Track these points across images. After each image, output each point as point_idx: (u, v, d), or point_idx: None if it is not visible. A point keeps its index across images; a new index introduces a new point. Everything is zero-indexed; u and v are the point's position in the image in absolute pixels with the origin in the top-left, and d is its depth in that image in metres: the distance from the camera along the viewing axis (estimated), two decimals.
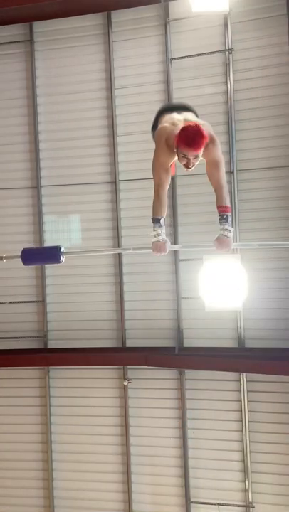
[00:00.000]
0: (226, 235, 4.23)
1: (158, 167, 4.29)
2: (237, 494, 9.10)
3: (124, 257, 9.60)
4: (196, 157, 4.10)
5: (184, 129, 4.04)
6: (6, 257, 4.82)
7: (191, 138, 3.98)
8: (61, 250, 4.65)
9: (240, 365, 8.78)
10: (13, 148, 10.01)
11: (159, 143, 4.30)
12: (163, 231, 4.22)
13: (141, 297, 9.57)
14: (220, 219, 4.24)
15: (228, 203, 4.24)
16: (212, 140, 4.24)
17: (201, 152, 4.09)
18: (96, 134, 9.74)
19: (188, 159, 4.10)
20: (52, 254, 4.72)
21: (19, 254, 4.67)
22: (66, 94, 9.81)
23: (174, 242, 9.24)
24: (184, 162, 4.16)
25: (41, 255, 5.02)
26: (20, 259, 4.70)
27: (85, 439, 9.68)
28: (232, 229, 4.27)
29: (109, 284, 9.72)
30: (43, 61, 9.88)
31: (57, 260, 4.67)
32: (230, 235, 4.24)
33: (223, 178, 4.26)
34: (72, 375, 9.72)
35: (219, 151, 4.31)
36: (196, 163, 4.18)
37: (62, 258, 4.67)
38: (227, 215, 4.20)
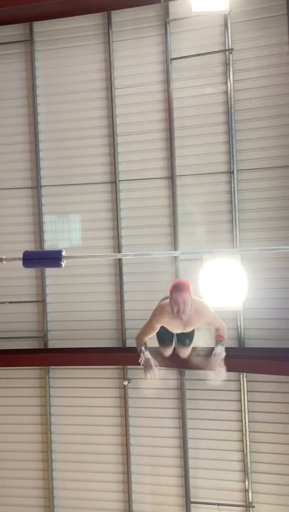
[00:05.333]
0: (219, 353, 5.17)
1: (149, 325, 5.43)
2: (237, 494, 9.10)
3: (124, 257, 9.60)
4: (184, 304, 5.01)
5: (176, 281, 5.35)
6: (6, 259, 4.80)
7: (178, 284, 5.15)
8: (62, 255, 4.64)
9: (240, 365, 8.78)
10: (13, 148, 10.01)
11: (156, 311, 5.44)
12: (147, 353, 5.29)
13: (141, 297, 9.56)
14: (216, 344, 5.33)
15: (226, 336, 5.42)
16: (200, 309, 5.31)
17: (187, 299, 5.04)
18: (96, 134, 9.74)
19: (179, 305, 5.00)
20: (53, 259, 4.70)
21: (19, 255, 4.66)
22: (66, 94, 9.81)
23: (174, 242, 9.25)
24: (176, 308, 5.03)
25: (42, 259, 5.00)
26: (20, 261, 4.69)
27: (85, 439, 9.68)
28: (224, 353, 5.22)
29: (109, 284, 9.72)
30: (43, 61, 9.88)
31: (57, 265, 4.66)
32: (223, 355, 5.19)
33: (220, 321, 5.45)
34: (72, 375, 9.72)
35: (209, 313, 5.41)
36: (187, 311, 5.05)
37: (63, 263, 4.66)
38: (223, 343, 5.31)
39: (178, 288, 5.06)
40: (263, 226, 9.06)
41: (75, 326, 9.79)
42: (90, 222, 9.81)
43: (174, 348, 6.16)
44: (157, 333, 5.73)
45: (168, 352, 6.18)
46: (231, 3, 8.38)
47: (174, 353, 6.24)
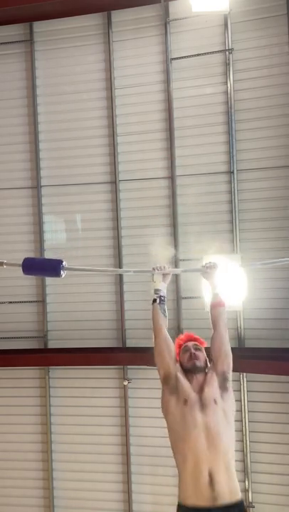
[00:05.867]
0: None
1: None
2: None
3: (124, 257, 9.59)
4: (196, 349, 4.47)
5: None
6: (6, 264, 4.82)
7: (186, 335, 4.74)
8: (63, 265, 4.62)
9: (240, 365, 8.76)
10: (13, 148, 10.01)
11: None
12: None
13: (141, 297, 9.54)
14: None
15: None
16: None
17: (199, 345, 4.52)
18: (96, 134, 9.74)
19: (190, 349, 4.46)
20: (53, 269, 4.70)
21: (19, 255, 4.69)
22: (66, 94, 9.81)
23: (174, 242, 9.24)
24: (187, 355, 4.43)
25: (42, 268, 5.00)
26: (20, 266, 4.69)
27: (85, 439, 9.67)
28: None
29: (109, 284, 9.72)
30: (43, 61, 9.88)
31: (57, 275, 4.65)
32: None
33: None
34: (72, 375, 9.72)
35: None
36: (200, 357, 4.44)
37: (63, 273, 4.65)
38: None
39: (187, 337, 4.66)
40: (263, 226, 9.06)
41: (75, 326, 9.79)
42: (89, 222, 9.81)
43: None
44: None
45: None
46: (231, 3, 8.37)
47: None
